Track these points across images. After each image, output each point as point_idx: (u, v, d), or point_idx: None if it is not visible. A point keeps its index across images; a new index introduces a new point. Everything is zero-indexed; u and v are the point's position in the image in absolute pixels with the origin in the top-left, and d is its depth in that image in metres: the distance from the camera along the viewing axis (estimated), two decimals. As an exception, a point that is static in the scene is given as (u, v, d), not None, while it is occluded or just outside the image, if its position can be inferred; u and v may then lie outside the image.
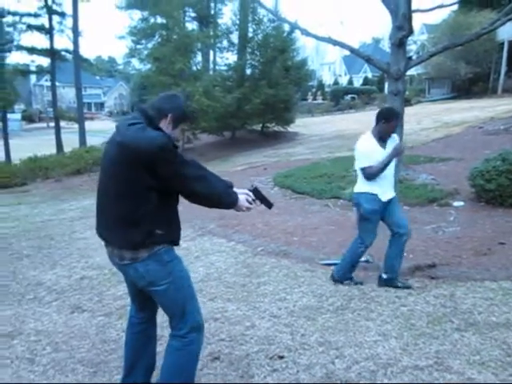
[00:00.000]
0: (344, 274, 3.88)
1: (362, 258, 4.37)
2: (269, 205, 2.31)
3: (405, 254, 4.47)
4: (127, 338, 2.39)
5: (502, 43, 24.48)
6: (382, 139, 3.63)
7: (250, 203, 2.19)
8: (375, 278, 3.96)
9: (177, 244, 2.15)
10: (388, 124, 3.57)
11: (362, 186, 3.74)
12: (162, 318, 2.48)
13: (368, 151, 3.61)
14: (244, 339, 3.00)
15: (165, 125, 2.07)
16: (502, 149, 6.58)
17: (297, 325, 3.16)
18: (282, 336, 3.01)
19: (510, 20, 9.26)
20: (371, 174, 3.59)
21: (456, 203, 6.30)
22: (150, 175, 1.93)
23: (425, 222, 5.63)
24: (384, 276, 3.79)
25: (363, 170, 3.63)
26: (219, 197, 2.10)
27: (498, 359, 2.59)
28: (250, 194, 2.20)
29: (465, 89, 27.01)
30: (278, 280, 4.04)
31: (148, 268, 2.03)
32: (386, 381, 2.44)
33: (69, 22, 21.41)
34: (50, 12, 21.50)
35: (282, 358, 2.74)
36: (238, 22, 19.82)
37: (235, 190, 2.16)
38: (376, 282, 3.85)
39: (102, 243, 2.20)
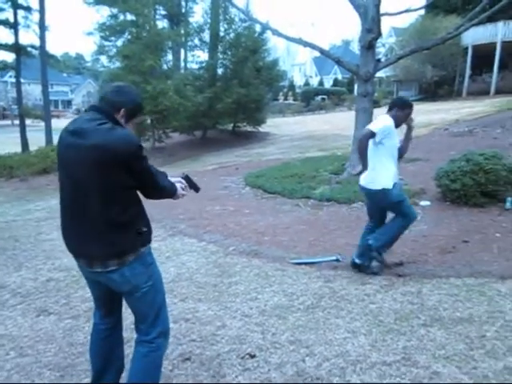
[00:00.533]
0: (382, 247, 3.98)
1: (332, 257, 4.45)
2: (196, 189, 2.45)
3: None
4: (93, 344, 2.32)
5: (467, 47, 25.26)
6: (395, 125, 3.83)
7: (184, 190, 2.29)
8: (345, 276, 4.03)
9: (151, 239, 2.16)
10: (403, 112, 3.83)
11: (381, 180, 3.81)
12: (130, 320, 2.44)
13: (391, 127, 3.77)
14: (215, 339, 2.99)
15: (118, 119, 2.02)
16: (466, 150, 6.80)
17: (268, 324, 3.17)
18: (253, 335, 3.02)
19: (473, 25, 9.61)
20: (364, 142, 3.76)
21: (423, 203, 6.46)
22: (129, 175, 1.93)
23: (393, 221, 5.74)
24: (369, 241, 3.95)
25: (372, 134, 3.71)
26: (169, 188, 2.19)
27: (462, 353, 2.67)
28: (183, 181, 2.31)
29: (431, 91, 27.74)
30: (249, 279, 4.04)
31: (135, 272, 2.01)
32: (355, 377, 2.49)
33: (35, 16, 20.79)
34: (15, 6, 20.78)
35: (253, 357, 2.75)
36: (209, 20, 19.72)
37: (170, 179, 2.24)
38: (346, 281, 3.91)
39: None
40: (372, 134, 3.72)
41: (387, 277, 3.98)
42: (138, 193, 2.06)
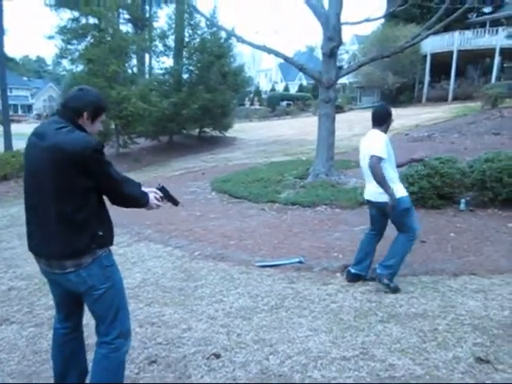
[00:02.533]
0: (395, 273, 3.80)
1: (296, 259, 4.57)
2: (175, 202, 2.47)
3: (335, 254, 4.74)
4: (54, 348, 2.35)
5: (426, 56, 26.29)
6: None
7: (159, 200, 2.31)
8: (308, 277, 4.15)
9: (112, 242, 2.18)
10: (391, 122, 3.89)
11: (397, 190, 3.68)
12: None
13: (386, 145, 3.69)
14: (181, 342, 3.04)
15: (83, 123, 2.08)
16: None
17: (233, 325, 3.25)
18: (219, 336, 3.09)
19: (430, 35, 10.06)
20: (373, 165, 3.58)
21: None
22: (86, 177, 1.96)
23: (354, 223, 5.94)
24: (377, 271, 3.84)
25: (380, 159, 3.59)
26: (137, 197, 2.21)
27: (416, 346, 2.84)
28: (158, 192, 2.33)
29: (392, 97, 28.60)
30: (215, 283, 4.11)
31: (91, 272, 2.05)
32: (316, 372, 2.60)
33: (-8, 19, 20.11)
34: (-29, 8, 20.09)
35: (218, 357, 2.82)
36: (173, 26, 19.65)
37: (144, 189, 2.26)
38: (309, 282, 4.04)
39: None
40: (381, 159, 3.61)
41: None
42: (104, 198, 2.11)
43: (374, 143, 3.70)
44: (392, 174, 3.75)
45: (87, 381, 2.33)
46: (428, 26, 9.63)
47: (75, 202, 1.97)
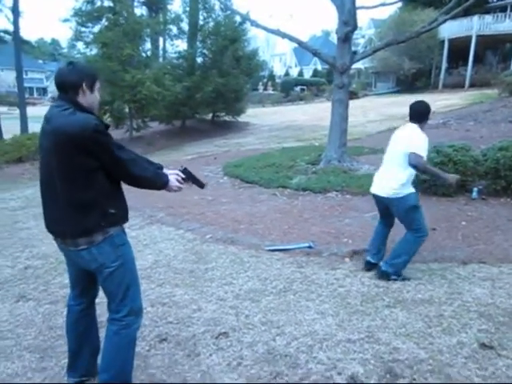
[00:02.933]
0: (400, 270, 3.76)
1: (305, 244, 4.62)
2: (200, 185, 2.41)
3: (344, 240, 4.78)
4: (68, 325, 2.42)
5: (443, 41, 25.73)
6: None
7: (181, 183, 2.29)
8: (316, 262, 4.20)
9: (127, 220, 2.22)
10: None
11: (401, 188, 3.67)
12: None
13: (426, 144, 3.59)
14: (191, 321, 3.13)
15: (84, 96, 2.09)
16: (437, 142, 7.05)
17: (241, 307, 3.32)
18: (228, 317, 3.17)
19: (448, 19, 9.85)
20: (422, 165, 3.53)
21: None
22: (89, 157, 1.99)
23: (365, 209, 5.95)
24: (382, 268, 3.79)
25: (421, 157, 3.50)
26: (151, 178, 2.19)
27: (421, 331, 2.88)
28: (180, 174, 2.30)
29: (408, 83, 28.20)
30: (225, 265, 4.18)
31: (102, 250, 2.10)
32: (321, 353, 2.67)
33: (8, 1, 20.22)
34: (-13, -10, 20.20)
35: (226, 337, 2.90)
36: (187, 9, 19.55)
37: (165, 171, 2.27)
38: (318, 266, 4.09)
39: (48, 234, 2.22)
40: (422, 158, 3.54)
41: (356, 262, 4.18)
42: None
43: (416, 141, 3.57)
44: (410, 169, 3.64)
45: (99, 357, 2.42)
46: (446, 11, 9.44)
47: (81, 181, 2.02)
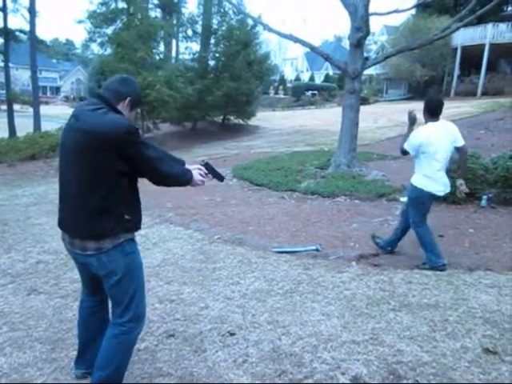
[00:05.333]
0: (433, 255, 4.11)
1: (312, 247, 4.66)
2: (220, 178, 2.45)
3: (351, 244, 4.81)
4: (80, 319, 2.47)
5: (456, 48, 25.63)
6: None
7: (203, 177, 2.31)
8: (323, 265, 4.24)
9: (139, 228, 2.22)
10: None
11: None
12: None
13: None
14: (198, 319, 3.18)
15: (122, 108, 2.12)
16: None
17: (248, 306, 3.37)
18: (234, 316, 3.21)
19: (462, 27, 9.86)
20: None
21: (403, 199, 6.66)
22: (120, 159, 1.98)
23: (373, 215, 5.98)
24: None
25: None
26: (178, 175, 2.19)
27: (425, 334, 2.90)
28: (203, 168, 2.33)
29: (420, 90, 28.08)
30: (233, 266, 4.23)
31: (111, 258, 2.08)
32: (325, 353, 2.70)
33: (24, 0, 20.51)
34: (4, -10, 20.49)
35: (233, 335, 2.94)
36: (202, 12, 19.72)
37: (187, 166, 2.29)
38: (324, 269, 4.12)
39: (59, 230, 2.24)
40: None
41: (363, 266, 4.21)
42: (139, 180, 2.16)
43: (458, 133, 4.04)
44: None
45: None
46: (460, 18, 9.45)
47: (106, 186, 2.00)
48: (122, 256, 2.11)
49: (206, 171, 2.33)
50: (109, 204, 2.03)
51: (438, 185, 4.01)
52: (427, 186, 3.98)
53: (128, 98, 2.13)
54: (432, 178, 3.98)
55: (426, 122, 4.03)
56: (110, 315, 2.34)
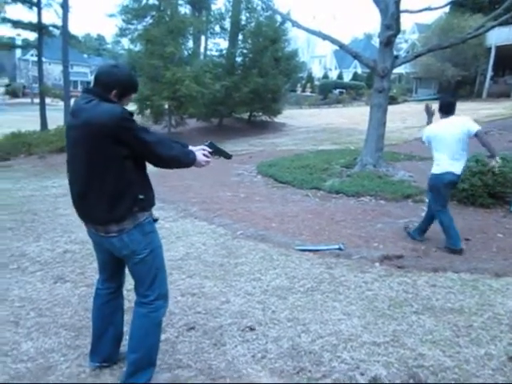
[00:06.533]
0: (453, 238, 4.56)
1: (335, 246, 4.62)
2: (227, 156, 2.47)
3: (375, 244, 4.76)
4: (94, 308, 2.52)
5: (490, 48, 24.92)
6: None
7: (208, 157, 2.34)
8: (346, 264, 4.20)
9: (154, 204, 2.29)
10: None
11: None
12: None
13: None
14: (219, 312, 3.21)
15: (114, 98, 2.17)
16: (476, 152, 6.86)
17: (269, 302, 3.38)
18: (254, 311, 3.23)
19: (496, 26, 9.57)
20: (486, 137, 4.52)
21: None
22: (119, 145, 2.05)
23: (398, 216, 5.89)
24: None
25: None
26: (180, 157, 2.25)
27: (448, 339, 2.85)
28: (207, 148, 2.36)
29: (451, 90, 27.45)
30: (255, 262, 4.25)
31: (132, 238, 2.18)
32: (345, 353, 2.68)
33: (56, -4, 20.95)
34: (38, -15, 21.01)
35: (252, 330, 2.96)
36: (230, 8, 19.75)
37: (191, 147, 2.32)
38: (347, 268, 4.09)
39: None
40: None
41: (387, 267, 4.15)
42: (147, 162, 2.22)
43: (471, 122, 4.43)
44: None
45: (125, 341, 2.49)
46: (494, 17, 9.17)
47: (112, 170, 2.07)
48: (142, 235, 2.20)
49: (210, 150, 2.34)
50: (121, 188, 2.11)
51: (448, 173, 4.44)
52: (438, 172, 4.49)
53: (114, 91, 2.16)
54: (441, 166, 4.47)
55: (441, 118, 4.61)
56: (131, 297, 2.36)
